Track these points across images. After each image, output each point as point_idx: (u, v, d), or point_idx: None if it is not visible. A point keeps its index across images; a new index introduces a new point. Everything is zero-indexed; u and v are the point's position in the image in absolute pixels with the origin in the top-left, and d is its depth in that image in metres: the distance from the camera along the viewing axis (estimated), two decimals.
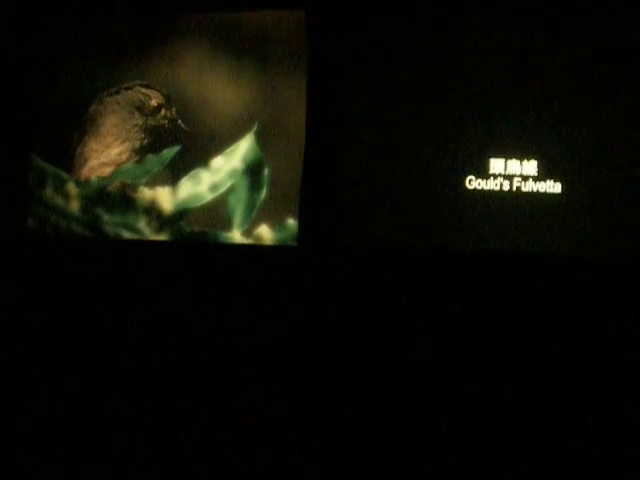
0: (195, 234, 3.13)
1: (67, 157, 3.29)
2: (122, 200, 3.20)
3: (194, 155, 3.15)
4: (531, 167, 2.74)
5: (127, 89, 3.22)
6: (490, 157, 2.79)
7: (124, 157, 3.22)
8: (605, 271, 2.60)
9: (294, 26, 3.04)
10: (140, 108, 3.20)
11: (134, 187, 3.20)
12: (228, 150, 3.11)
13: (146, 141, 3.20)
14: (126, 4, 3.21)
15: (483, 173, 2.79)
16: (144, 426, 2.86)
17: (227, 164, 3.12)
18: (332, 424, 2.72)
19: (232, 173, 3.11)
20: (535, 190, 2.72)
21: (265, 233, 3.05)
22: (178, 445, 2.77)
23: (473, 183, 2.78)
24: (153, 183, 3.19)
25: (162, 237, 3.17)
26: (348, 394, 2.75)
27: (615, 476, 2.45)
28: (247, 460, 2.70)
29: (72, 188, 3.26)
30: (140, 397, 2.94)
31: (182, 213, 3.15)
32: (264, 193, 3.07)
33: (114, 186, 3.22)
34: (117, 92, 3.23)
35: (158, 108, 3.18)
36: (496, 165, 2.78)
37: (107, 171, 3.24)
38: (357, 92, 2.90)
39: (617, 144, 2.64)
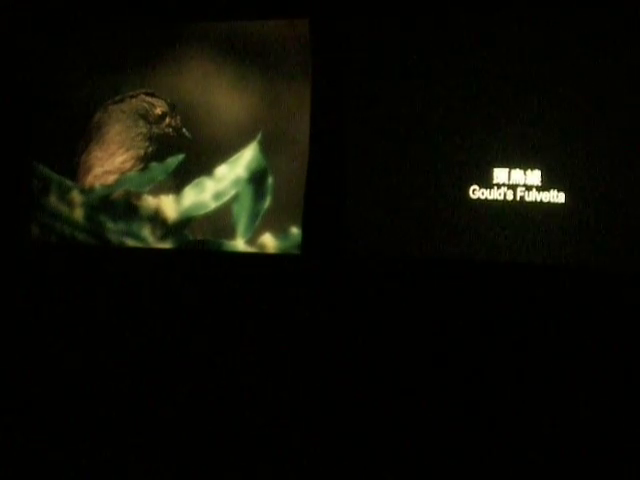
0: (199, 242, 3.14)
1: (71, 165, 3.30)
2: (126, 208, 3.21)
3: (198, 163, 3.15)
4: (535, 177, 2.74)
5: (132, 97, 3.23)
6: (494, 167, 2.79)
7: (128, 165, 3.22)
8: (609, 282, 2.60)
9: (298, 35, 3.05)
10: (144, 116, 3.21)
11: (138, 195, 3.21)
12: (232, 159, 3.12)
13: (150, 149, 3.21)
14: (131, 13, 3.21)
15: (487, 183, 2.79)
16: (144, 435, 2.86)
17: (231, 172, 3.12)
18: (334, 430, 2.73)
19: (236, 181, 3.12)
20: (539, 200, 2.72)
21: (269, 241, 3.06)
22: (183, 454, 2.77)
23: (477, 193, 2.78)
24: (157, 191, 3.19)
25: (166, 245, 3.17)
26: (351, 400, 2.75)
27: None
28: (251, 467, 2.70)
29: (76, 196, 3.27)
30: (142, 405, 2.93)
31: (186, 221, 3.16)
32: (268, 201, 3.07)
33: (118, 194, 3.23)
34: (122, 100, 3.24)
35: (162, 116, 3.19)
36: (500, 175, 2.78)
37: (111, 179, 3.25)
38: (361, 101, 2.90)
39: (621, 153, 2.64)
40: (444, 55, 2.82)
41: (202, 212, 3.14)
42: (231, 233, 3.10)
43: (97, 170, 3.27)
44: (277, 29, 3.09)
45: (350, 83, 2.91)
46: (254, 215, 3.08)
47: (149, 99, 3.21)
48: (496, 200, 2.76)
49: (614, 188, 2.63)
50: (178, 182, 3.17)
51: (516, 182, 2.76)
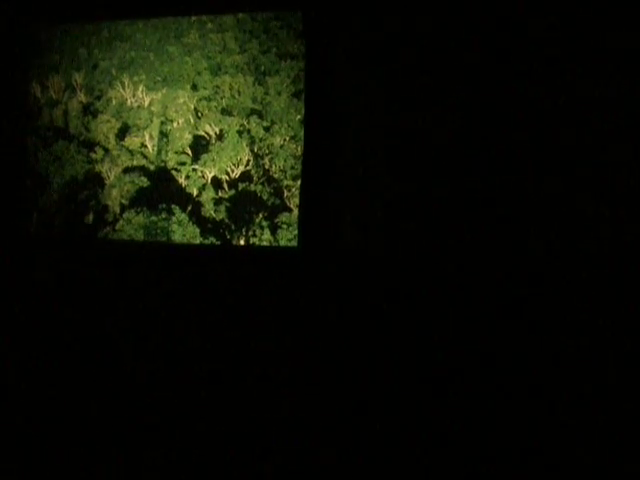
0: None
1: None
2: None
3: (195, 156, 3.17)
4: None
5: None
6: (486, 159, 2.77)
7: None
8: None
9: (292, 26, 3.05)
10: None
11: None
12: (229, 150, 3.13)
13: None
14: (132, 7, 3.22)
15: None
16: (143, 430, 2.87)
17: (230, 165, 3.13)
18: (334, 424, 2.73)
19: (235, 174, 3.13)
20: None
21: (266, 234, 3.07)
22: (182, 452, 2.79)
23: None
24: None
25: (164, 238, 3.19)
26: (344, 389, 2.75)
27: None
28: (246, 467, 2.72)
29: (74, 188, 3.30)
30: (135, 396, 2.95)
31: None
32: (265, 193, 3.08)
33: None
34: None
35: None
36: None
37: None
38: (355, 94, 2.90)
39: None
40: (439, 48, 2.81)
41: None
42: (227, 225, 3.12)
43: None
44: (272, 20, 3.09)
45: (343, 75, 2.90)
46: (252, 207, 3.10)
47: None
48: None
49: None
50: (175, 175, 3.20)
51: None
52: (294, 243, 3.02)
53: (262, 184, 3.09)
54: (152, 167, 3.23)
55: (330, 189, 2.91)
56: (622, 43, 2.55)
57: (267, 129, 3.06)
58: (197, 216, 3.17)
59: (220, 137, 3.15)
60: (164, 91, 3.22)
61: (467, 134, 2.76)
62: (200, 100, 3.19)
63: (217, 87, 3.16)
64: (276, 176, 3.06)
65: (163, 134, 3.21)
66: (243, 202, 3.11)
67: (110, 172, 3.29)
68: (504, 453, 2.55)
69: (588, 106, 2.59)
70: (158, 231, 3.19)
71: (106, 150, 3.31)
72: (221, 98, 3.15)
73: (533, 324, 2.60)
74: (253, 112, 3.09)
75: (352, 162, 2.89)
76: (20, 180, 3.30)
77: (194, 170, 3.19)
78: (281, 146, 3.05)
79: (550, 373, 2.57)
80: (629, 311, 2.48)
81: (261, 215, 3.08)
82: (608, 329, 2.51)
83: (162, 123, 3.22)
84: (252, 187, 3.10)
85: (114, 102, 3.30)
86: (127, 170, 3.27)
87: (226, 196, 3.13)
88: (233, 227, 3.11)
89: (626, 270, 2.51)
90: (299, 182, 3.00)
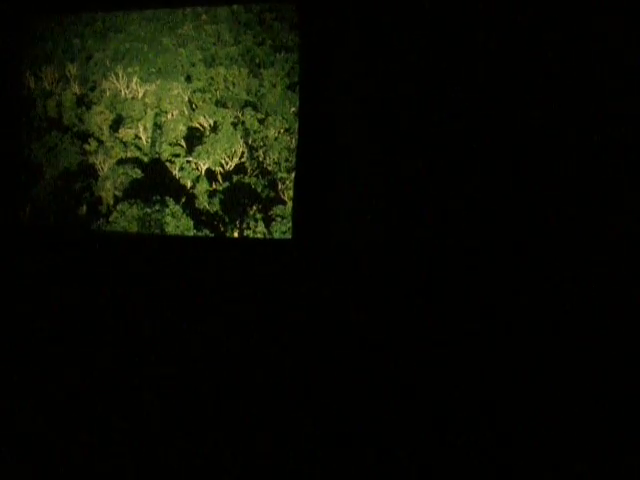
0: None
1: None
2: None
3: (189, 148, 3.16)
4: None
5: None
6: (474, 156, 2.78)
7: None
8: None
9: (287, 18, 3.04)
10: None
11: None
12: (223, 142, 3.12)
13: None
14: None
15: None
16: (137, 426, 2.87)
17: (224, 157, 3.13)
18: (337, 418, 2.73)
19: (230, 166, 3.13)
20: None
21: (260, 226, 3.07)
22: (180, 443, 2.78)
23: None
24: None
25: (157, 230, 3.19)
26: (337, 376, 2.75)
27: None
28: (243, 459, 2.71)
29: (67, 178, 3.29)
30: (124, 389, 2.94)
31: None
32: (259, 186, 3.08)
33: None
34: None
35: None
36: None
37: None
38: (349, 86, 2.89)
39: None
40: (433, 40, 2.80)
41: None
42: (223, 218, 3.12)
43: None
44: (266, 13, 3.09)
45: (338, 67, 2.89)
46: (246, 200, 3.09)
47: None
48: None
49: None
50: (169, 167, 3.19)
51: None
52: (288, 235, 3.01)
53: (256, 176, 3.08)
54: (146, 159, 3.23)
55: (324, 182, 2.90)
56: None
57: (261, 121, 3.06)
58: (191, 208, 3.17)
59: (214, 129, 3.14)
60: (158, 83, 3.21)
61: (464, 131, 2.76)
62: (194, 92, 3.18)
63: (211, 79, 3.15)
64: (270, 168, 3.06)
65: (157, 126, 3.20)
66: (237, 194, 3.10)
67: (104, 164, 3.28)
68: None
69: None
70: (152, 223, 3.19)
71: (100, 141, 3.30)
72: (215, 90, 3.15)
73: (532, 318, 2.61)
74: (247, 104, 3.08)
75: (346, 155, 2.88)
76: (14, 171, 3.29)
77: (188, 162, 3.19)
78: (275, 138, 3.04)
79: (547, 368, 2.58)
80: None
81: (255, 207, 3.07)
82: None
83: (156, 115, 3.21)
84: (246, 179, 3.10)
85: (108, 93, 3.29)
86: (121, 162, 3.26)
87: (220, 188, 3.13)
88: (227, 219, 3.11)
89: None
90: (293, 175, 2.99)
